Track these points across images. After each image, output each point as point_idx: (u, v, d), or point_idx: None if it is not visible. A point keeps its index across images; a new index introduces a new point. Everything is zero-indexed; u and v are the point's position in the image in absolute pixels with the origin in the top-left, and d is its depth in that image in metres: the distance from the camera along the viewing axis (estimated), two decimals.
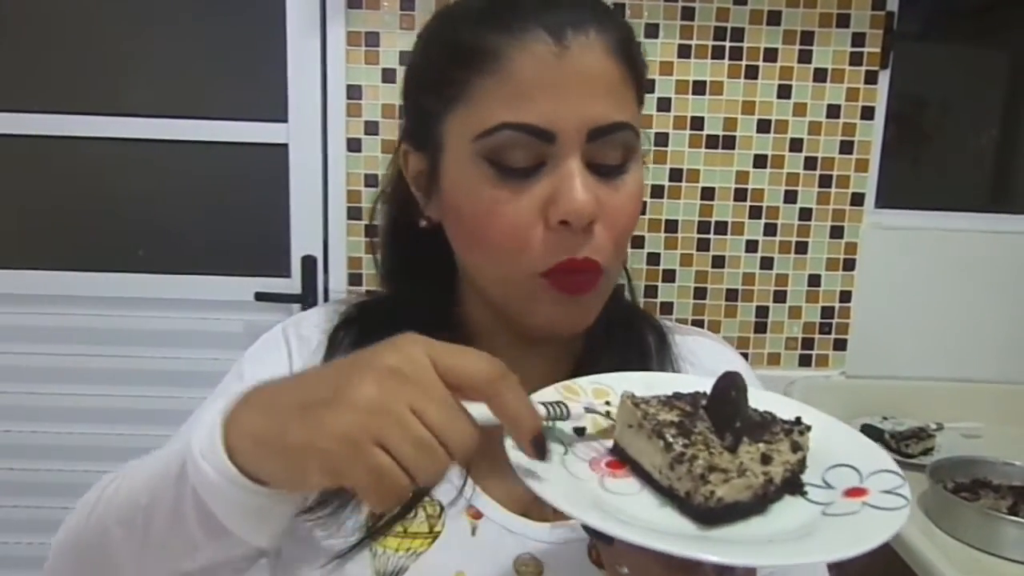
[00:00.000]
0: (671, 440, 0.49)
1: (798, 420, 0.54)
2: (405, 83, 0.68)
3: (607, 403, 0.58)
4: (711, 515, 0.47)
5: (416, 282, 0.73)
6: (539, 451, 0.49)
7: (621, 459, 0.54)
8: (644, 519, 0.48)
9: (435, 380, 0.45)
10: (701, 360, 0.76)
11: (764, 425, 0.53)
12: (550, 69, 0.59)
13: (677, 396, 0.56)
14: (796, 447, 0.52)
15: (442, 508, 0.66)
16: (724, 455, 0.49)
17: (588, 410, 0.57)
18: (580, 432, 0.57)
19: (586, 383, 0.60)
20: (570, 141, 0.60)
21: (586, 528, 0.47)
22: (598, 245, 0.62)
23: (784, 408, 0.57)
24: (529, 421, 0.48)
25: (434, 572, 0.63)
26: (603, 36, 0.61)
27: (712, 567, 0.47)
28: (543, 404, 0.52)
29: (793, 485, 0.51)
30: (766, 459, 0.50)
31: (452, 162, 0.64)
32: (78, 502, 0.62)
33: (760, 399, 0.57)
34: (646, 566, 0.48)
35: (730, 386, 0.53)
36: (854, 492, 0.50)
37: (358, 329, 0.73)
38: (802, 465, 0.52)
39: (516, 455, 0.50)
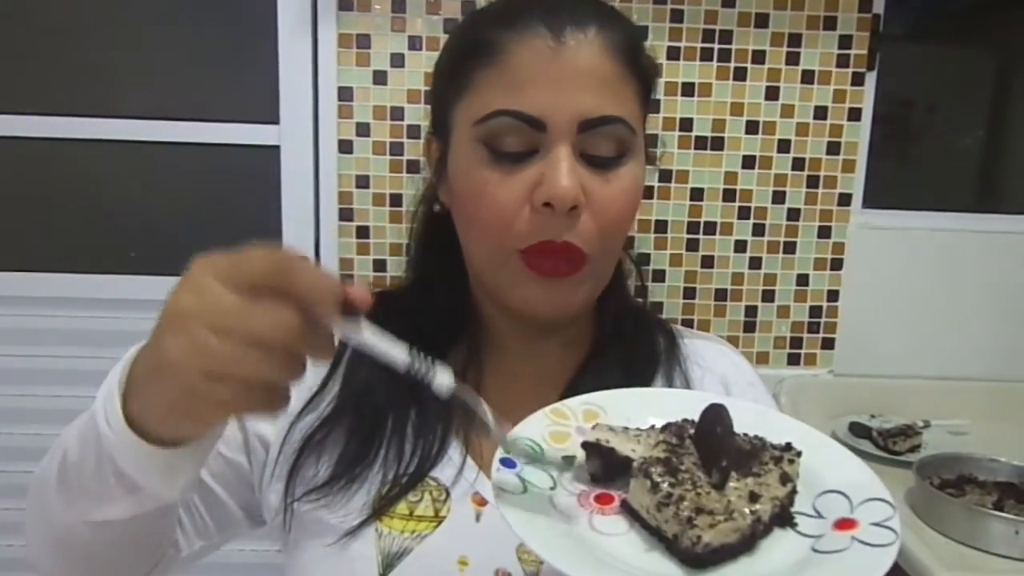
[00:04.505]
0: (658, 480, 0.48)
1: (788, 446, 0.53)
2: (432, 76, 0.73)
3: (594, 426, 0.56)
4: (698, 559, 0.46)
5: (434, 273, 0.76)
6: (351, 321, 0.47)
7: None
8: (633, 563, 0.47)
9: (223, 296, 0.46)
10: (708, 363, 0.78)
11: (753, 454, 0.52)
12: (546, 62, 0.63)
13: (664, 427, 0.55)
14: (785, 479, 0.50)
15: (448, 493, 0.67)
16: (711, 494, 0.48)
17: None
18: (569, 460, 0.55)
19: (576, 404, 0.59)
20: (560, 131, 0.63)
21: None
22: (582, 232, 0.64)
23: (775, 424, 0.56)
24: (327, 290, 0.46)
25: (438, 555, 0.65)
26: (603, 35, 0.64)
27: None
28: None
29: (782, 518, 0.50)
30: (754, 497, 0.49)
31: (456, 146, 0.68)
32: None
33: (751, 413, 0.57)
34: None
35: (715, 421, 0.52)
36: (844, 524, 0.48)
37: (373, 317, 0.75)
38: (791, 497, 0.51)
39: (499, 477, 0.50)
